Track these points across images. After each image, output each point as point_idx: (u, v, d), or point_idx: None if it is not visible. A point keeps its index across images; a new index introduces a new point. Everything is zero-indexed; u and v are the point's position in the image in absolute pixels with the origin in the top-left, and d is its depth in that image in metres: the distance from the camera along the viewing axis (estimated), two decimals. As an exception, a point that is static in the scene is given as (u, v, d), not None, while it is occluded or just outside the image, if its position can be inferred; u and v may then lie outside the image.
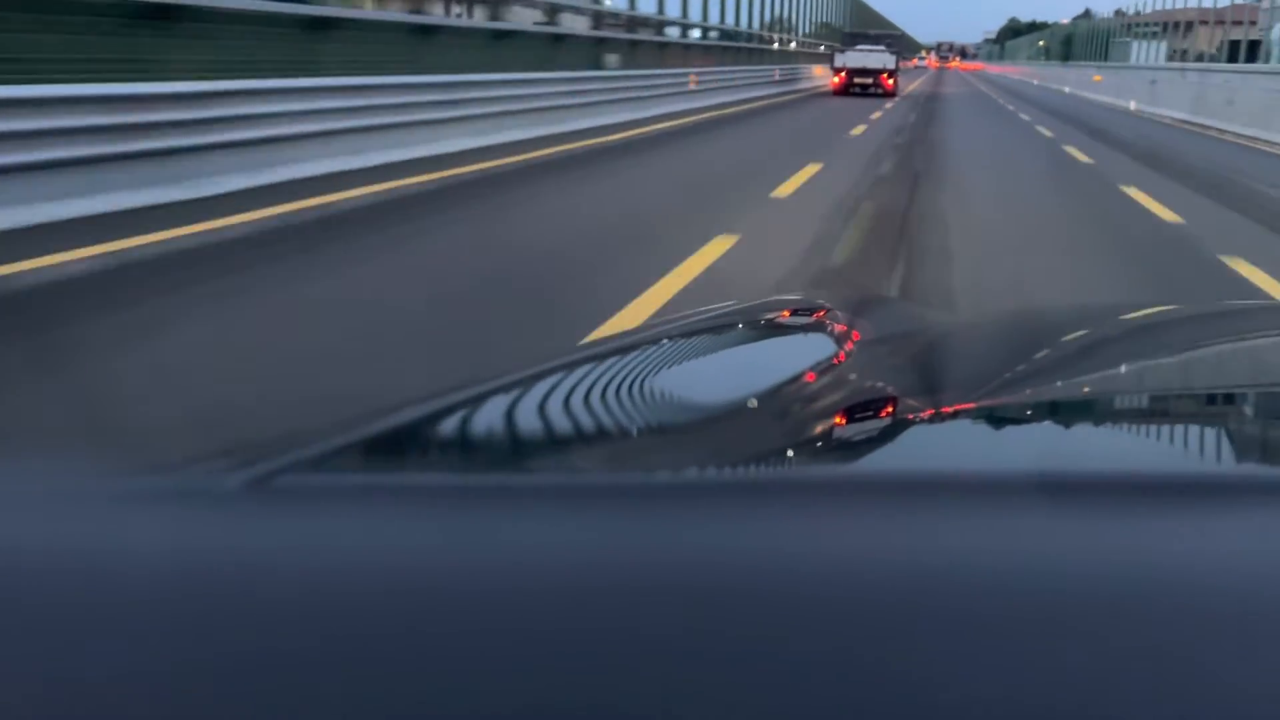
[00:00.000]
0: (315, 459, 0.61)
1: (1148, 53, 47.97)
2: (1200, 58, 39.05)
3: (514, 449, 0.72)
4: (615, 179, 9.56)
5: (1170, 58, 43.36)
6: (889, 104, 25.00)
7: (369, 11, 12.19)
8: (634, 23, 21.57)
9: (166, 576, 0.39)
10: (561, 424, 0.75)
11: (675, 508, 0.48)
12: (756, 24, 33.96)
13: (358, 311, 4.33)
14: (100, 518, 0.46)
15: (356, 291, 4.69)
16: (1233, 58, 36.85)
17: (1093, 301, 4.33)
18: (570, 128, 13.39)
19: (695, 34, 26.70)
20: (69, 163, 6.16)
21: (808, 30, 45.02)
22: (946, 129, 17.80)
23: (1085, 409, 0.86)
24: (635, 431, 0.77)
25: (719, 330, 1.21)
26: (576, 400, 0.79)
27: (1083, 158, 12.73)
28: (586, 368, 0.90)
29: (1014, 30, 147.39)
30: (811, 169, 9.91)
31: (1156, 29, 49.50)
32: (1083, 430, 0.79)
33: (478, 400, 0.77)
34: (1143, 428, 0.81)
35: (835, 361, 1.01)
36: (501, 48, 13.97)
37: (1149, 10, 50.16)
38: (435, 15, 14.25)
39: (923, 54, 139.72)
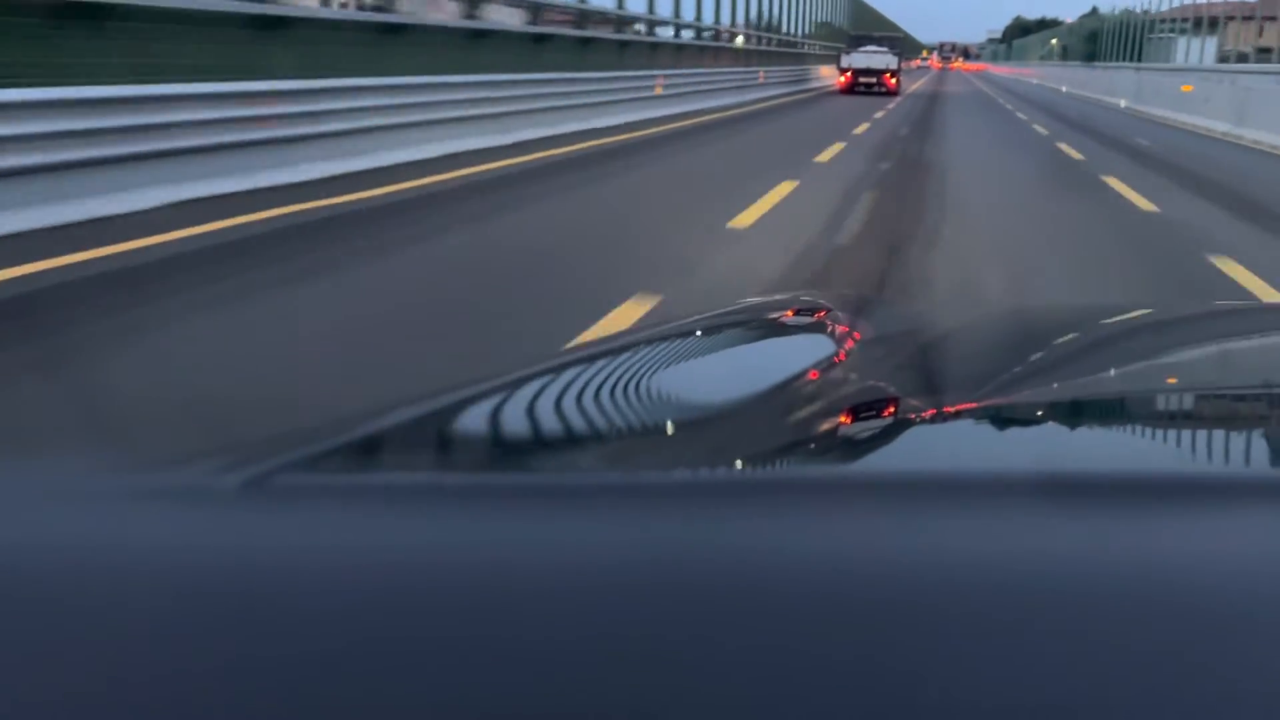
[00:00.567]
0: (313, 458, 0.61)
1: (1191, 51, 37.35)
2: (1244, 58, 30.84)
3: (513, 448, 0.72)
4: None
5: (1223, 59, 33.39)
6: (892, 103, 26.67)
7: (429, 18, 13.91)
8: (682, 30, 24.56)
9: (165, 574, 0.40)
10: (561, 423, 0.75)
11: (675, 507, 0.48)
12: (783, 29, 38.28)
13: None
14: (99, 516, 0.47)
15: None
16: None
17: (1092, 302, 4.36)
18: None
19: (738, 40, 31.15)
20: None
21: (808, 30, 45.48)
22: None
23: (1085, 409, 0.85)
24: (635, 431, 0.78)
25: (719, 330, 1.22)
26: (577, 400, 0.80)
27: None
28: (587, 367, 0.90)
29: (1022, 28, 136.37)
30: (838, 146, 13.26)
31: (1185, 24, 40.22)
32: (1082, 430, 0.80)
33: (477, 399, 0.77)
34: (1142, 428, 0.81)
35: (835, 362, 1.02)
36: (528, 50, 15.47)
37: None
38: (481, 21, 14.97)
39: (924, 54, 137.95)
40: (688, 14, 25.00)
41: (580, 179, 9.56)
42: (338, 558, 0.41)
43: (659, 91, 18.30)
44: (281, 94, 8.45)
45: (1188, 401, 0.90)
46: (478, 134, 11.25)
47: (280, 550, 0.42)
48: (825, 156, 11.91)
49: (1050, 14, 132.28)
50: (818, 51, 43.14)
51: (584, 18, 18.22)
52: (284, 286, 4.96)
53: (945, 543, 0.42)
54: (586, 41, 17.89)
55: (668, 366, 1.00)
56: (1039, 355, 1.11)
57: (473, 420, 0.75)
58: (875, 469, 0.64)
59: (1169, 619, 0.36)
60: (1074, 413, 0.83)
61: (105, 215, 6.09)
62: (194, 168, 7.12)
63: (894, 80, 32.89)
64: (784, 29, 37.87)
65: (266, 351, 3.86)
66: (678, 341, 1.11)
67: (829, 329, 1.22)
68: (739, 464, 0.67)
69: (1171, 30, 42.65)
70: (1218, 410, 0.87)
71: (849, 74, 33.18)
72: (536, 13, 16.42)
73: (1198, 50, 36.75)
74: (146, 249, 5.47)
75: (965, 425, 0.79)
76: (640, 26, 22.02)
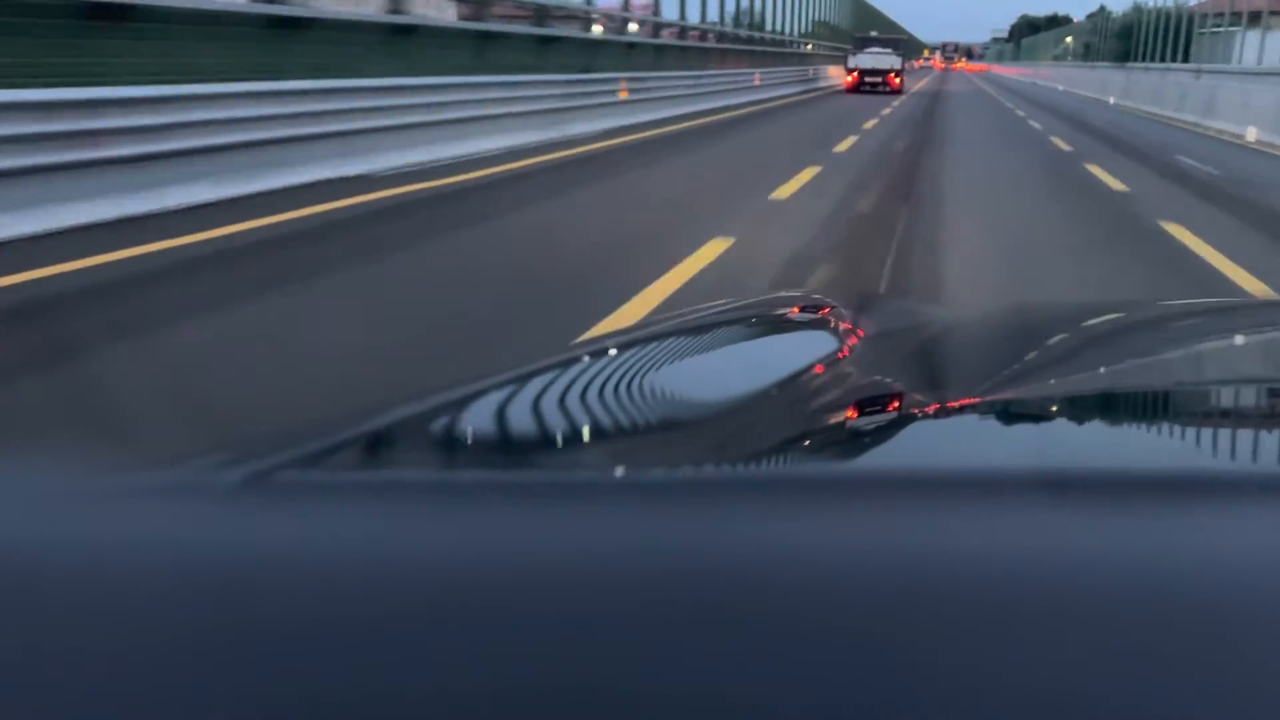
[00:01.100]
0: (313, 455, 0.61)
1: (1258, 49, 27.83)
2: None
3: (514, 445, 0.72)
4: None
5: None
6: (896, 101, 28.24)
7: (444, 22, 13.85)
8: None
9: (165, 573, 0.40)
10: (564, 420, 0.75)
11: (678, 504, 0.48)
12: (793, 32, 39.56)
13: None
14: (99, 514, 0.47)
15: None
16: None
17: (1096, 298, 4.25)
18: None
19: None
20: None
21: (807, 30, 46.33)
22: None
23: (1088, 405, 0.85)
24: (637, 428, 0.78)
25: (722, 327, 1.23)
26: (579, 396, 0.80)
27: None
28: (589, 364, 0.91)
29: (1031, 26, 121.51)
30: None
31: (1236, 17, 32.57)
32: (1085, 426, 0.80)
33: (477, 396, 0.77)
34: (1145, 424, 0.81)
35: (839, 358, 1.02)
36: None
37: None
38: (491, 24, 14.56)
39: (926, 54, 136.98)
40: (669, 12, 23.90)
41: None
42: (338, 555, 0.41)
43: (624, 96, 16.56)
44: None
45: (1191, 398, 0.89)
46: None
47: (281, 547, 0.42)
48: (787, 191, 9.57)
49: (1061, 11, 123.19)
50: (820, 52, 44.30)
51: (543, 13, 15.73)
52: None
53: (949, 538, 0.42)
54: (547, 41, 15.58)
55: (671, 363, 1.01)
56: (1042, 351, 1.11)
57: (475, 417, 0.74)
58: (879, 465, 0.64)
59: (1172, 615, 0.36)
60: (1077, 409, 0.82)
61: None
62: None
63: (898, 80, 34.85)
64: (781, 29, 37.46)
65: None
66: (681, 339, 1.12)
67: (833, 325, 1.21)
68: (743, 460, 0.67)
69: (1219, 24, 34.10)
70: (1221, 407, 0.85)
71: (855, 74, 35.39)
72: (481, 6, 13.94)
73: (1256, 46, 28.48)
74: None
75: (969, 421, 0.79)
76: (597, 27, 19.73)
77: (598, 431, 0.74)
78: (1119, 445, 0.71)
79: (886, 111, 22.57)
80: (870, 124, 18.11)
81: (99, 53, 7.33)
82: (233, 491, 0.51)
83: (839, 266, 6.00)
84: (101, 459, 0.59)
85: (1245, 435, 0.75)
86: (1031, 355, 1.08)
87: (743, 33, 30.54)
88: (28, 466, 0.56)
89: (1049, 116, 22.80)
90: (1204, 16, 35.82)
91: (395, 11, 11.61)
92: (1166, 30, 37.57)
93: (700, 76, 22.33)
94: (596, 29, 18.92)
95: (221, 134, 7.67)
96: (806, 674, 0.32)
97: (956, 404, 0.83)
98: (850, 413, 0.79)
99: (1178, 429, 0.77)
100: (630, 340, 1.09)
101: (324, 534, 0.43)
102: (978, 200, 8.94)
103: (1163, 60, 35.51)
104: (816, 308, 1.35)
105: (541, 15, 15.74)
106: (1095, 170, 11.19)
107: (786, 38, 36.59)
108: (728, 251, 6.00)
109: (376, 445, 0.67)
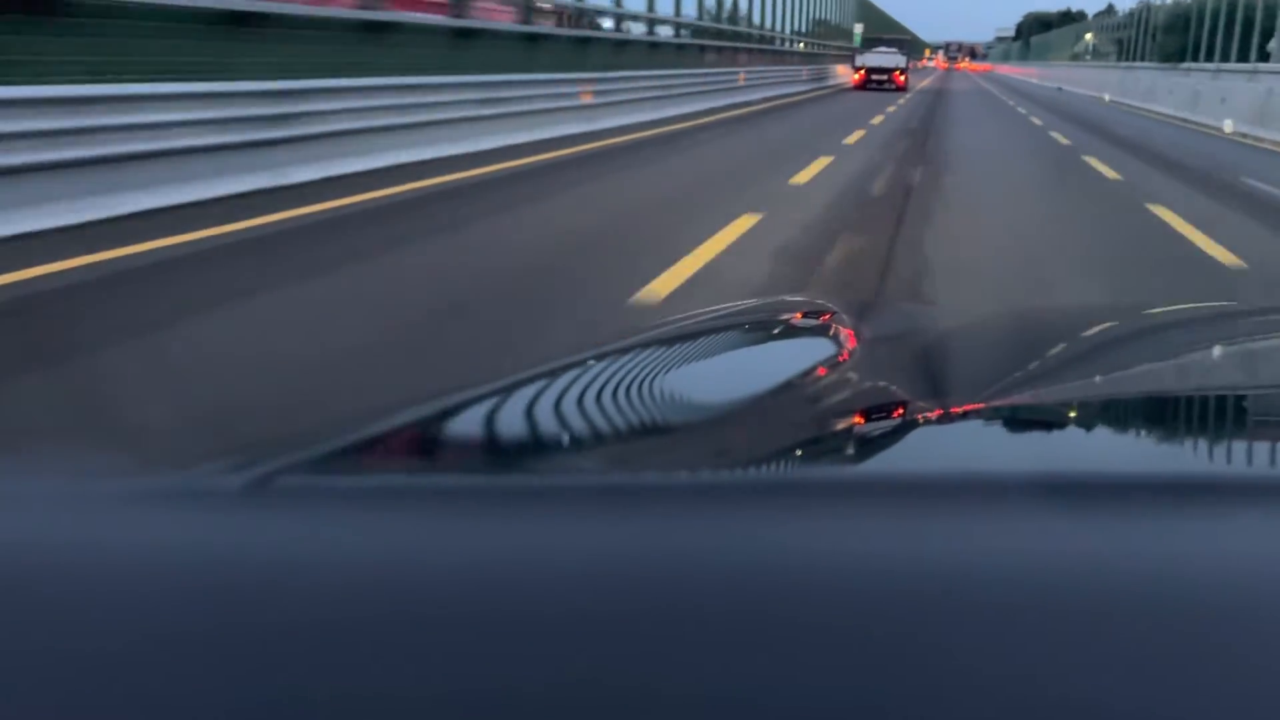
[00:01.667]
0: (316, 460, 0.62)
1: None
2: None
3: (517, 450, 0.72)
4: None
5: None
6: (901, 99, 29.99)
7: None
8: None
9: (167, 576, 0.40)
10: (565, 425, 0.75)
11: (681, 509, 0.48)
12: (784, 30, 40.28)
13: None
14: (100, 518, 0.47)
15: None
16: None
17: (1096, 304, 4.40)
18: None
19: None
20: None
21: (805, 28, 46.87)
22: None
23: (1090, 411, 0.86)
24: (637, 434, 0.78)
25: (723, 333, 1.24)
26: (580, 402, 0.80)
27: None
28: (591, 369, 0.91)
29: (1043, 23, 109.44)
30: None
31: None
32: (1088, 432, 0.80)
33: (481, 401, 0.77)
34: (1147, 429, 0.81)
35: (839, 364, 1.02)
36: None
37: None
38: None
39: (927, 54, 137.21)
40: (634, 3, 21.97)
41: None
42: (341, 559, 0.41)
43: (587, 99, 15.07)
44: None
45: (1192, 403, 0.89)
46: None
47: (284, 551, 0.42)
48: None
49: (1071, 7, 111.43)
50: (825, 51, 45.03)
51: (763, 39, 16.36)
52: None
53: (952, 543, 0.42)
54: (463, 34, 13.01)
55: (672, 369, 1.02)
56: (1044, 357, 1.12)
57: (478, 422, 0.74)
58: (882, 470, 0.64)
59: (1176, 620, 0.36)
60: (1079, 414, 0.83)
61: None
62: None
63: (902, 78, 37.23)
64: (776, 28, 36.79)
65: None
66: (682, 345, 1.13)
67: (833, 331, 1.22)
68: (745, 466, 0.68)
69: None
70: (1224, 412, 0.86)
71: (862, 72, 38.11)
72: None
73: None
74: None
75: (970, 427, 0.79)
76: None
77: (600, 436, 0.75)
78: (1121, 450, 0.72)
79: (878, 120, 20.22)
80: (853, 138, 15.23)
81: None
82: (236, 496, 0.51)
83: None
84: (105, 463, 0.61)
85: (1249, 440, 0.76)
86: (1034, 361, 1.09)
87: (727, 28, 28.56)
88: (32, 470, 0.59)
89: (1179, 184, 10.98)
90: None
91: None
92: (1227, 23, 28.08)
93: (676, 76, 20.30)
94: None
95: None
96: (811, 678, 0.33)
97: (959, 409, 0.83)
98: (852, 418, 0.80)
99: (1180, 434, 0.78)
100: (632, 346, 1.09)
101: (327, 538, 0.43)
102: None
103: (1216, 59, 27.47)
104: (817, 313, 1.35)
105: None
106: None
107: (775, 34, 36.24)
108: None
109: (379, 450, 0.67)
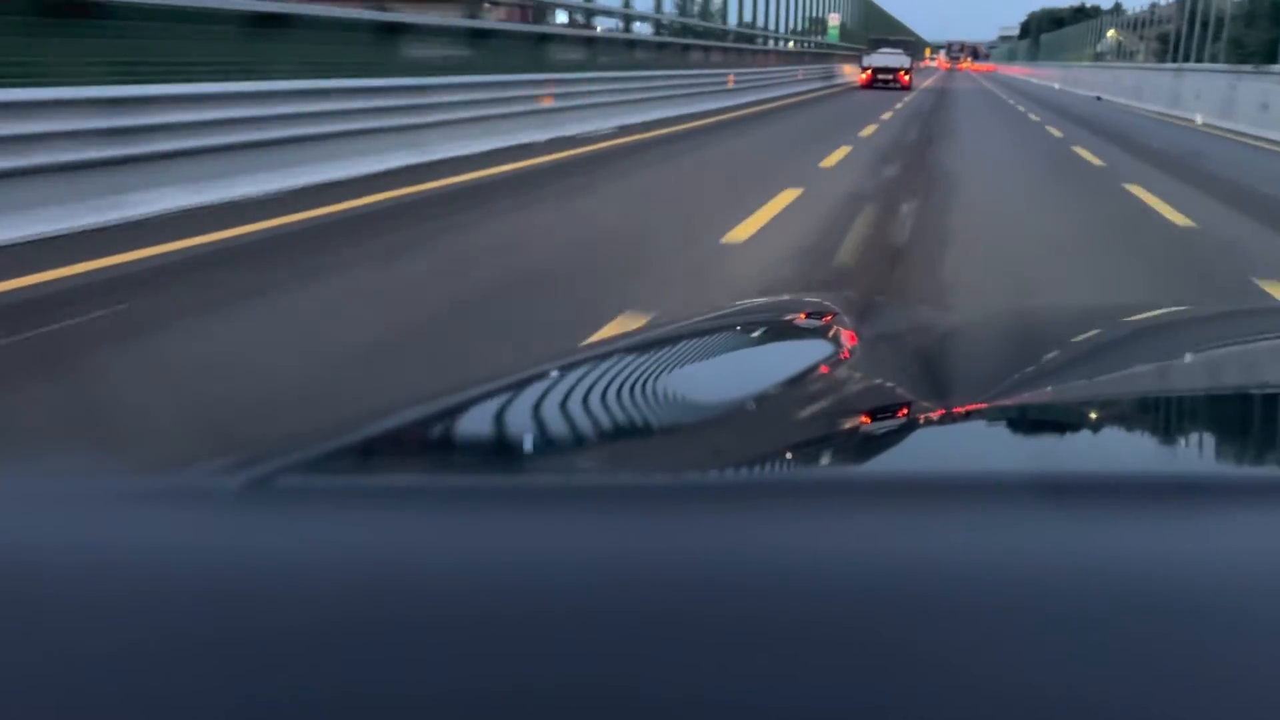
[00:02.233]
0: (315, 460, 0.61)
1: None
2: None
3: (517, 450, 0.72)
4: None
5: None
6: (907, 97, 31.70)
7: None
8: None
9: (166, 577, 0.40)
10: (566, 425, 0.76)
11: (682, 509, 0.48)
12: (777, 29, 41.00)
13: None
14: (101, 518, 0.47)
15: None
16: None
17: (1098, 303, 4.46)
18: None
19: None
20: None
21: (800, 26, 47.74)
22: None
23: (1091, 411, 0.86)
24: (639, 433, 0.78)
25: (725, 333, 1.24)
26: (581, 401, 0.80)
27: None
28: (592, 368, 0.91)
29: (1054, 19, 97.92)
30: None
31: None
32: (1090, 432, 0.80)
33: (480, 401, 0.78)
34: (1149, 429, 0.81)
35: (841, 364, 1.03)
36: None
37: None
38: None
39: (928, 54, 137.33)
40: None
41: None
42: (339, 561, 0.41)
43: (548, 102, 13.75)
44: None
45: (1195, 403, 0.90)
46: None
47: (281, 553, 0.42)
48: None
49: (1089, 2, 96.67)
50: (824, 52, 46.28)
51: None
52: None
53: (954, 543, 0.42)
54: (391, 29, 10.92)
55: (675, 369, 1.02)
56: (1046, 356, 1.13)
57: (477, 421, 0.75)
58: (883, 471, 0.65)
59: (1179, 620, 0.36)
60: (1081, 414, 0.84)
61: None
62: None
63: (907, 77, 39.71)
64: (775, 28, 36.63)
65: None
66: (685, 344, 1.13)
67: (835, 331, 1.23)
68: (747, 466, 0.69)
69: None
70: (1226, 412, 0.86)
71: (869, 71, 40.34)
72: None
73: None
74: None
75: (972, 426, 0.80)
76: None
77: (601, 436, 0.75)
78: (1123, 450, 0.73)
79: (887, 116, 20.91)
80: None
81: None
82: (234, 496, 0.52)
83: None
84: (104, 462, 0.61)
85: (1252, 441, 0.76)
86: (1035, 361, 1.11)
87: (715, 26, 27.34)
88: (30, 470, 0.59)
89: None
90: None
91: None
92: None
93: (653, 77, 18.69)
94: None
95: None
96: (813, 678, 0.33)
97: (961, 409, 0.84)
98: (854, 419, 0.80)
99: (1183, 434, 0.78)
100: (634, 345, 1.11)
101: (325, 539, 0.44)
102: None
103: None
104: (820, 314, 1.36)
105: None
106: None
107: (765, 33, 34.77)
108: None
109: (378, 450, 0.68)
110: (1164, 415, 0.85)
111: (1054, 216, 8.38)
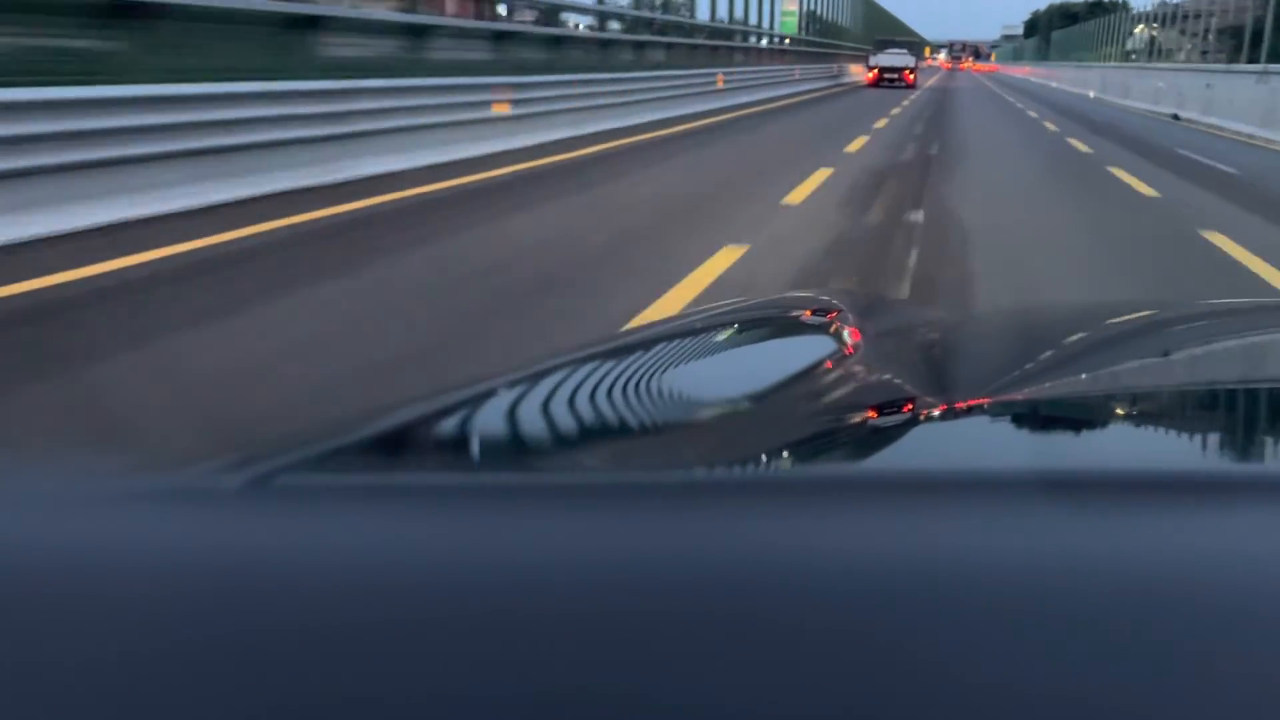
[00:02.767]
0: (316, 459, 0.62)
1: None
2: None
3: (520, 447, 0.73)
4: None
5: None
6: (911, 95, 33.44)
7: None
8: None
9: (167, 576, 0.40)
10: (569, 422, 0.76)
11: (686, 506, 0.48)
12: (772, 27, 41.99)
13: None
14: (100, 517, 0.47)
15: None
16: None
17: (1100, 300, 4.53)
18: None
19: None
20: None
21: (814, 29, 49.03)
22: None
23: (1093, 407, 0.87)
24: (642, 430, 0.79)
25: (728, 329, 1.26)
26: (584, 398, 0.81)
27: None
28: (596, 365, 0.92)
29: (1067, 14, 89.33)
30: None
31: None
32: (1094, 428, 0.82)
33: (483, 398, 0.78)
34: (1152, 426, 0.83)
35: (845, 360, 1.04)
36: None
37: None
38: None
39: (929, 54, 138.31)
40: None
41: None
42: (341, 558, 0.41)
43: (505, 110, 12.77)
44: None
45: (1196, 400, 0.91)
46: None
47: (284, 550, 0.43)
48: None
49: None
50: (830, 52, 47.25)
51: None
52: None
53: (958, 540, 0.42)
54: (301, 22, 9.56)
55: (678, 366, 1.03)
56: (1049, 353, 1.14)
57: (480, 419, 0.76)
58: (887, 467, 0.65)
59: (1178, 617, 0.36)
60: (1085, 410, 0.85)
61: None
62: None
63: (911, 76, 41.73)
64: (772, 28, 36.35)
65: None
66: (688, 340, 1.14)
67: (838, 328, 1.23)
68: (750, 462, 0.69)
69: None
70: (1228, 408, 0.87)
71: (876, 71, 42.42)
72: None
73: None
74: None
75: (977, 423, 0.81)
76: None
77: (604, 433, 0.76)
78: (1126, 447, 0.73)
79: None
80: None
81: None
82: (235, 494, 0.52)
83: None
84: (103, 462, 0.61)
85: (1255, 437, 0.77)
86: (1039, 357, 1.12)
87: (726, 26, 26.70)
88: (30, 468, 0.59)
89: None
90: None
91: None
92: None
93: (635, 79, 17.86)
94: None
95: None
96: (815, 676, 0.33)
97: (965, 405, 0.84)
98: (858, 415, 0.81)
99: (1186, 430, 0.78)
100: (637, 342, 1.11)
101: (327, 537, 0.44)
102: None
103: None
104: (824, 310, 1.36)
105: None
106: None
107: (748, 28, 33.08)
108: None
109: (380, 448, 0.68)
110: (1167, 411, 0.86)
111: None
